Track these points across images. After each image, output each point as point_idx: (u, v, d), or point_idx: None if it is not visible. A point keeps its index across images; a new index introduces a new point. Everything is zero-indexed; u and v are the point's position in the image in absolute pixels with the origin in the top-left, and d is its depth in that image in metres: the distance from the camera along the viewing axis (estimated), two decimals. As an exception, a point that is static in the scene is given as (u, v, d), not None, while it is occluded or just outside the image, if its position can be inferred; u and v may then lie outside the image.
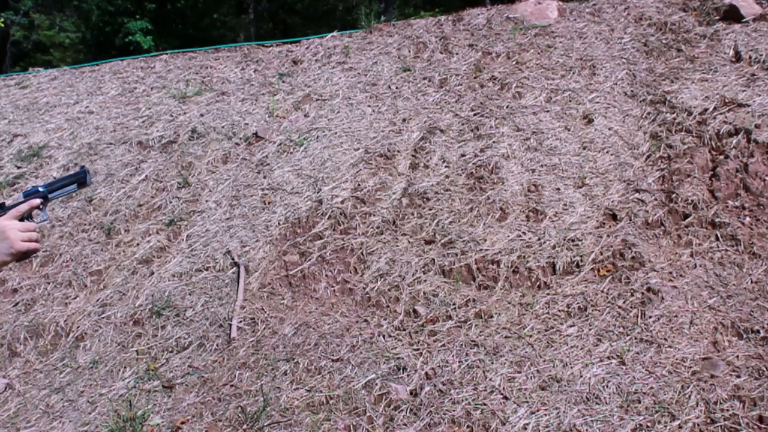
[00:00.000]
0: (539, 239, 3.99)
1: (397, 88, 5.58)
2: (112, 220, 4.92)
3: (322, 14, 18.64)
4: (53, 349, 4.08)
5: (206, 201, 4.92)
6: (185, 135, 5.68)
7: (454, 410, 3.05)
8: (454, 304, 3.71)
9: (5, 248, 1.52)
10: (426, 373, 3.30)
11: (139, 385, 3.58)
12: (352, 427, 3.07)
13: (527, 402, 3.03)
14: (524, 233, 4.05)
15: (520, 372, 3.21)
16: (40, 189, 1.64)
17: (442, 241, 4.09)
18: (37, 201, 1.62)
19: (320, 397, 3.23)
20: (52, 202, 1.67)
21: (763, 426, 2.75)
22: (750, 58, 4.96)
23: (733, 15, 5.48)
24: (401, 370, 3.34)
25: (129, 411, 3.37)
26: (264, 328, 3.78)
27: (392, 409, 3.13)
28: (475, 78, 5.48)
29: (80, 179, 1.68)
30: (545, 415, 2.95)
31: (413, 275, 3.92)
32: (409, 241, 4.16)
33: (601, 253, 3.84)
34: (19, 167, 5.92)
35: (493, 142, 4.72)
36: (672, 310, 3.41)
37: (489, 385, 3.16)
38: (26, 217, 1.59)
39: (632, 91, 4.98)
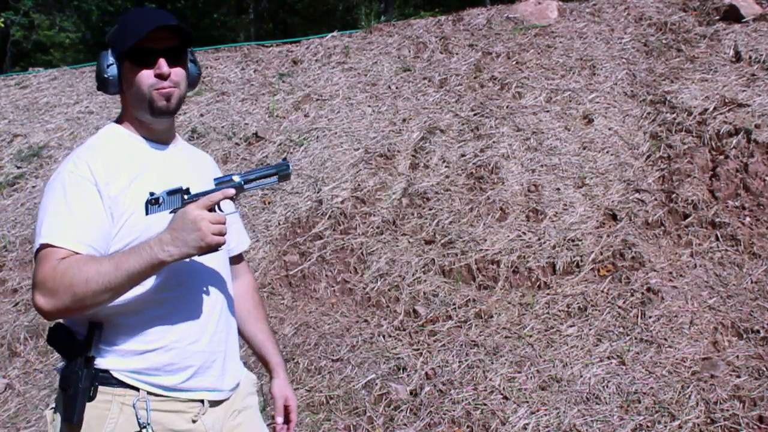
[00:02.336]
0: (539, 239, 3.99)
1: (397, 88, 5.58)
2: (112, 220, 4.92)
3: (322, 14, 18.64)
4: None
5: (206, 201, 4.91)
6: (185, 135, 5.68)
7: (454, 410, 3.05)
8: (454, 304, 3.71)
9: (195, 240, 1.36)
10: (426, 373, 3.30)
11: (139, 385, 3.58)
12: (352, 427, 3.07)
13: (527, 402, 3.03)
14: (524, 233, 4.05)
15: (520, 372, 3.21)
16: (235, 178, 1.46)
17: (442, 241, 4.09)
18: (231, 191, 1.43)
19: (320, 397, 3.23)
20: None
21: (763, 426, 2.75)
22: (750, 58, 4.96)
23: (733, 15, 5.48)
24: (401, 370, 3.34)
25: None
26: (264, 328, 3.78)
27: (392, 409, 3.14)
28: (475, 78, 5.49)
29: (281, 171, 1.50)
30: (545, 415, 2.95)
31: (413, 275, 3.92)
32: (409, 241, 4.16)
33: (601, 253, 3.84)
34: (19, 167, 5.92)
35: (493, 142, 4.72)
36: (672, 310, 3.41)
37: (489, 385, 3.16)
38: (214, 207, 1.42)
39: (632, 91, 4.98)
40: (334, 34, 6.82)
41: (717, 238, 3.82)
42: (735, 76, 4.83)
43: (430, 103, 5.30)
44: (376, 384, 3.26)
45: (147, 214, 1.45)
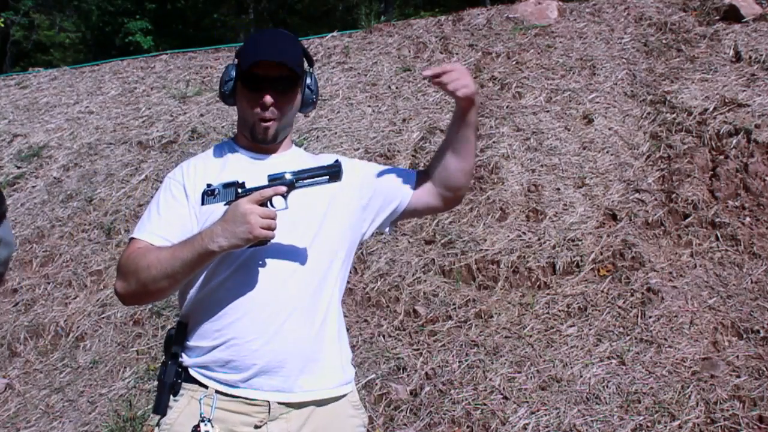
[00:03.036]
0: (539, 239, 3.99)
1: (397, 88, 5.58)
2: (112, 220, 4.92)
3: (322, 14, 18.64)
4: (53, 349, 4.08)
5: (206, 201, 4.91)
6: (185, 135, 5.68)
7: (454, 410, 3.05)
8: (454, 304, 3.71)
9: (243, 232, 1.43)
10: (426, 373, 3.30)
11: (139, 385, 3.58)
12: (352, 427, 3.07)
13: (527, 402, 3.03)
14: (524, 233, 4.05)
15: (520, 372, 3.21)
16: (287, 175, 1.52)
17: (442, 241, 4.09)
18: (283, 188, 1.50)
19: (320, 397, 3.23)
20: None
21: (763, 426, 2.75)
22: (750, 58, 4.96)
23: (733, 15, 5.48)
24: (401, 370, 3.34)
25: (129, 411, 3.38)
26: (264, 328, 3.78)
27: (392, 409, 3.14)
28: (475, 78, 5.48)
29: (333, 172, 1.54)
30: (545, 415, 2.95)
31: (413, 275, 3.92)
32: (409, 241, 4.16)
33: (601, 253, 3.84)
34: (19, 167, 5.93)
35: (493, 142, 4.72)
36: (672, 310, 3.41)
37: (489, 385, 3.16)
38: (267, 202, 1.49)
39: (632, 91, 4.98)
40: (334, 34, 6.83)
41: (717, 238, 3.82)
42: (735, 76, 4.83)
43: (430, 103, 5.30)
44: (376, 384, 3.26)
45: (202, 204, 1.56)
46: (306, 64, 1.70)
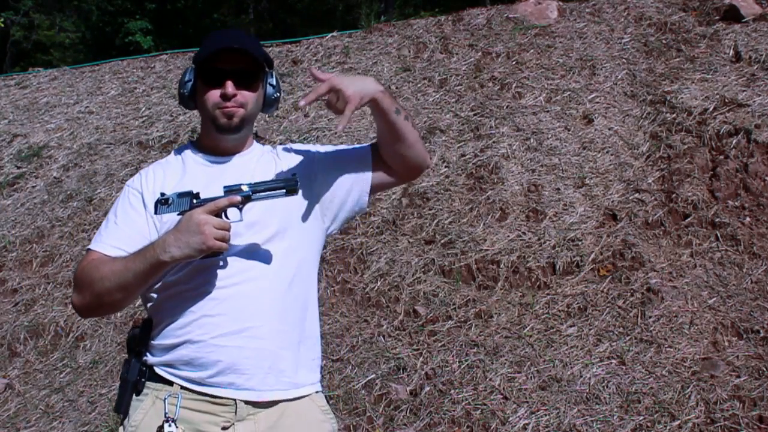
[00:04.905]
0: (539, 239, 3.99)
1: (397, 88, 5.58)
2: (112, 220, 4.92)
3: (322, 14, 18.64)
4: (53, 349, 4.08)
5: (206, 201, 4.91)
6: (185, 135, 5.68)
7: (454, 410, 3.05)
8: (454, 304, 3.71)
9: (197, 242, 1.40)
10: (426, 373, 3.30)
11: (139, 385, 3.58)
12: (352, 427, 3.07)
13: (527, 402, 3.03)
14: (524, 233, 4.05)
15: (520, 372, 3.21)
16: (244, 188, 1.49)
17: (442, 241, 4.09)
18: (238, 199, 1.46)
19: (320, 397, 3.23)
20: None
21: (763, 426, 2.75)
22: (750, 58, 4.96)
23: (733, 15, 5.47)
24: (401, 370, 3.34)
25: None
26: (264, 328, 3.78)
27: (392, 409, 3.14)
28: (475, 78, 5.48)
29: (290, 186, 1.50)
30: (545, 415, 2.95)
31: (413, 275, 3.92)
32: (409, 241, 4.16)
33: (601, 253, 3.84)
34: (19, 167, 5.93)
35: (493, 142, 4.72)
36: (672, 310, 3.41)
37: (489, 385, 3.16)
38: (221, 213, 1.46)
39: (632, 91, 4.98)
40: (334, 34, 6.82)
41: (717, 238, 3.82)
42: (735, 76, 4.83)
43: (430, 103, 5.30)
44: (376, 384, 3.26)
45: (156, 213, 1.53)
46: (266, 67, 1.67)
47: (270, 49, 6.97)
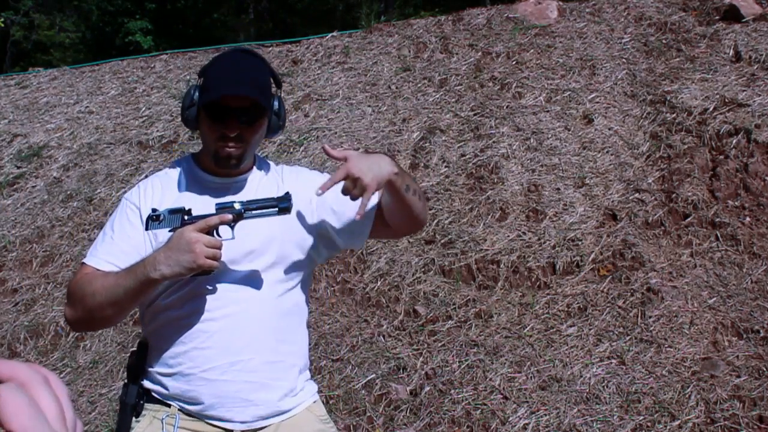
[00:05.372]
0: (539, 239, 3.99)
1: (397, 88, 5.58)
2: (112, 220, 4.92)
3: (322, 14, 18.63)
4: (53, 349, 4.08)
5: (206, 201, 4.91)
6: (185, 135, 5.68)
7: (454, 410, 3.05)
8: (454, 304, 3.71)
9: (187, 261, 1.38)
10: (426, 373, 3.30)
11: (139, 385, 3.58)
12: (352, 427, 3.07)
13: (527, 402, 3.03)
14: (524, 233, 4.05)
15: (520, 372, 3.21)
16: (236, 205, 1.47)
17: (442, 241, 4.09)
18: (229, 217, 1.45)
19: (320, 397, 3.23)
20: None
21: (763, 426, 2.75)
22: (750, 58, 4.96)
23: (733, 15, 5.48)
24: (401, 370, 3.34)
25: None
26: (264, 328, 3.78)
27: (392, 409, 3.14)
28: (475, 78, 5.49)
29: (282, 205, 1.49)
30: (545, 415, 2.95)
31: (413, 275, 3.92)
32: (409, 241, 4.16)
33: (601, 253, 3.84)
34: (19, 167, 5.92)
35: (493, 142, 4.72)
36: (672, 310, 3.41)
37: (489, 385, 3.16)
38: (213, 231, 1.45)
39: (632, 91, 4.98)
40: (334, 34, 6.82)
41: (717, 238, 3.82)
42: (735, 76, 4.83)
43: (430, 103, 5.30)
44: (376, 384, 3.26)
45: (146, 229, 1.50)
46: (273, 87, 1.64)
47: (270, 49, 6.97)
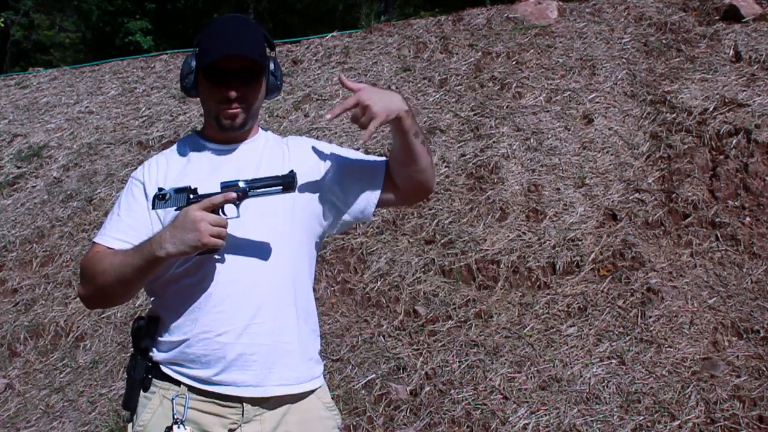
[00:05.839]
0: (539, 239, 3.99)
1: (397, 88, 5.58)
2: (112, 220, 4.92)
3: (322, 14, 18.64)
4: (53, 349, 4.08)
5: (206, 201, 4.91)
6: (185, 135, 5.68)
7: (454, 410, 3.05)
8: (454, 304, 3.71)
9: (192, 239, 1.39)
10: (426, 373, 3.30)
11: (139, 385, 3.58)
12: (352, 427, 3.07)
13: (527, 402, 3.03)
14: (524, 233, 4.05)
15: (520, 372, 3.21)
16: (241, 184, 1.49)
17: (442, 241, 4.09)
18: (232, 195, 1.46)
19: (320, 397, 3.23)
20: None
21: (763, 426, 2.75)
22: (750, 58, 4.96)
23: (733, 15, 5.47)
24: (401, 370, 3.35)
25: (129, 411, 3.37)
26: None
27: (392, 409, 3.14)
28: (475, 78, 5.49)
29: (287, 182, 1.49)
30: (545, 415, 2.95)
31: (413, 275, 3.92)
32: (409, 241, 4.16)
33: (601, 253, 3.84)
34: (19, 167, 5.93)
35: (493, 142, 4.72)
36: (672, 310, 3.41)
37: (489, 385, 3.16)
38: (218, 209, 1.46)
39: (632, 91, 4.98)
40: (334, 34, 6.82)
41: (717, 238, 3.82)
42: (735, 76, 4.83)
43: (430, 103, 5.30)
44: (376, 384, 3.26)
45: (153, 208, 1.53)
46: (267, 50, 1.65)
47: (270, 49, 6.97)
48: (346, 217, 1.69)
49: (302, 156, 1.66)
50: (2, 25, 14.23)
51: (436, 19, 6.67)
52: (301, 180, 1.55)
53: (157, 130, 5.87)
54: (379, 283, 3.93)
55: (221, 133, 1.63)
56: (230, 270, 1.53)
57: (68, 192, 5.39)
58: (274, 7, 19.12)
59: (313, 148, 1.70)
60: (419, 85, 5.56)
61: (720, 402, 2.87)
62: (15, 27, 17.08)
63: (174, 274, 1.55)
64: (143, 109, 6.30)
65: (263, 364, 1.53)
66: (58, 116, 6.58)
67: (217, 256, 1.52)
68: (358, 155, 1.73)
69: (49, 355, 4.03)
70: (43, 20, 18.87)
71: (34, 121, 6.61)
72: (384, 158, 1.71)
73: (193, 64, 1.59)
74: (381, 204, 1.69)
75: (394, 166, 1.65)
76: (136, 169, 1.69)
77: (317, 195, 1.65)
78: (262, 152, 1.66)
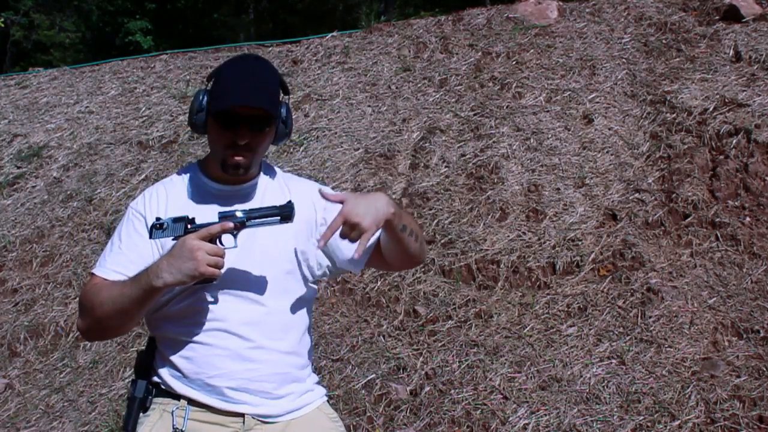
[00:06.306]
0: (539, 239, 3.99)
1: (397, 88, 5.58)
2: (112, 220, 4.91)
3: (322, 14, 18.64)
4: (53, 349, 4.08)
5: (206, 201, 4.91)
6: (185, 135, 5.68)
7: (454, 410, 3.05)
8: (454, 304, 3.71)
9: (189, 269, 1.39)
10: (426, 373, 3.30)
11: (139, 385, 3.58)
12: (352, 427, 3.07)
13: (527, 402, 3.03)
14: (524, 233, 4.05)
15: (520, 372, 3.21)
16: (238, 213, 1.49)
17: (442, 241, 4.09)
18: (231, 225, 1.46)
19: (320, 397, 3.23)
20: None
21: (763, 426, 2.75)
22: (750, 58, 4.96)
23: (733, 15, 5.48)
24: (401, 370, 3.35)
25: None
26: (264, 328, 3.78)
27: (392, 409, 3.14)
28: (475, 78, 5.49)
29: (285, 212, 1.49)
30: (545, 415, 2.95)
31: (413, 275, 3.92)
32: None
33: (601, 253, 3.84)
34: (19, 167, 5.93)
35: (493, 142, 4.72)
36: (672, 310, 3.41)
37: (489, 385, 3.16)
38: (215, 240, 1.46)
39: (632, 91, 4.98)
40: (334, 34, 6.82)
41: (717, 238, 3.82)
42: (735, 76, 4.83)
43: (430, 103, 5.30)
44: (376, 384, 3.26)
45: (150, 237, 1.52)
46: (281, 94, 1.63)
47: (270, 49, 6.98)
48: (334, 270, 1.71)
49: (301, 202, 1.62)
50: (2, 25, 14.23)
51: (436, 19, 6.67)
52: (296, 223, 1.54)
53: (157, 130, 5.87)
54: (379, 283, 3.93)
55: (224, 175, 1.61)
56: (233, 298, 1.54)
57: (68, 192, 5.39)
58: (274, 7, 19.13)
59: (314, 196, 1.67)
60: (419, 85, 5.56)
61: (720, 402, 2.87)
62: (15, 27, 17.08)
63: (166, 316, 1.56)
64: (143, 109, 6.30)
65: (264, 393, 1.55)
66: (58, 116, 6.58)
67: (209, 296, 1.53)
68: None
69: (49, 355, 4.03)
70: (43, 20, 18.87)
71: (34, 121, 6.61)
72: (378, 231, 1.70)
73: (204, 102, 1.57)
74: (369, 266, 1.73)
75: (385, 251, 1.65)
76: (135, 199, 1.68)
77: (311, 243, 1.64)
78: (264, 194, 1.65)
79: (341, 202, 1.45)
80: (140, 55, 8.37)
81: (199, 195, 1.62)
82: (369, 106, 5.46)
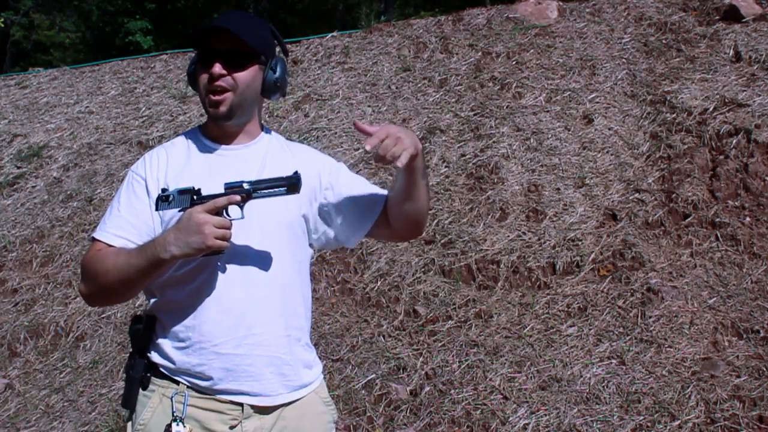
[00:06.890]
0: (539, 239, 3.99)
1: (397, 88, 5.58)
2: (112, 220, 4.92)
3: (322, 14, 18.64)
4: (53, 349, 4.08)
5: (206, 201, 4.91)
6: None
7: (454, 410, 3.05)
8: (454, 304, 3.71)
9: (196, 242, 1.38)
10: (426, 373, 3.30)
11: (139, 385, 3.58)
12: (352, 427, 3.07)
13: (527, 402, 3.03)
14: (524, 233, 4.05)
15: (520, 372, 3.21)
16: (245, 185, 1.46)
17: (442, 241, 4.09)
18: (237, 198, 1.44)
19: (320, 397, 3.23)
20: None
21: (763, 426, 2.75)
22: (750, 58, 4.96)
23: (733, 15, 5.47)
24: (401, 370, 3.35)
25: (129, 411, 3.37)
26: (264, 328, 3.78)
27: (392, 409, 3.14)
28: (475, 78, 5.49)
29: (292, 183, 1.47)
30: (545, 415, 2.95)
31: (413, 275, 3.92)
32: (409, 241, 4.16)
33: (601, 253, 3.84)
34: (19, 167, 5.93)
35: (493, 142, 4.72)
36: (672, 310, 3.41)
37: (489, 385, 3.16)
38: (222, 211, 1.44)
39: (632, 91, 4.98)
40: (334, 34, 6.82)
41: (717, 238, 3.82)
42: (735, 76, 4.83)
43: (430, 103, 5.30)
44: (376, 384, 3.26)
45: (156, 209, 1.51)
46: (278, 50, 1.62)
47: (270, 49, 6.97)
48: (330, 238, 1.69)
49: (305, 166, 1.61)
50: (2, 25, 14.23)
51: (436, 19, 6.67)
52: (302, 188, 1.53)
53: (157, 130, 5.87)
54: (379, 283, 3.93)
55: (217, 126, 1.60)
56: (232, 279, 1.52)
57: (68, 192, 5.39)
58: (274, 7, 19.12)
59: (317, 161, 1.68)
60: (419, 85, 5.56)
61: (720, 402, 2.87)
62: (15, 27, 17.09)
63: (172, 277, 1.53)
64: (143, 109, 6.30)
65: (261, 374, 1.53)
66: (58, 116, 6.58)
67: (218, 262, 1.51)
68: (360, 181, 1.71)
69: (49, 355, 4.03)
70: (43, 20, 18.87)
71: (34, 121, 6.61)
72: (384, 192, 1.69)
73: (195, 56, 1.58)
74: (369, 235, 1.69)
75: (393, 202, 1.63)
76: (135, 162, 1.67)
77: (312, 208, 1.64)
78: (266, 155, 1.64)
79: (372, 133, 1.45)
80: (140, 55, 8.37)
81: (199, 156, 1.61)
82: (369, 106, 5.46)
